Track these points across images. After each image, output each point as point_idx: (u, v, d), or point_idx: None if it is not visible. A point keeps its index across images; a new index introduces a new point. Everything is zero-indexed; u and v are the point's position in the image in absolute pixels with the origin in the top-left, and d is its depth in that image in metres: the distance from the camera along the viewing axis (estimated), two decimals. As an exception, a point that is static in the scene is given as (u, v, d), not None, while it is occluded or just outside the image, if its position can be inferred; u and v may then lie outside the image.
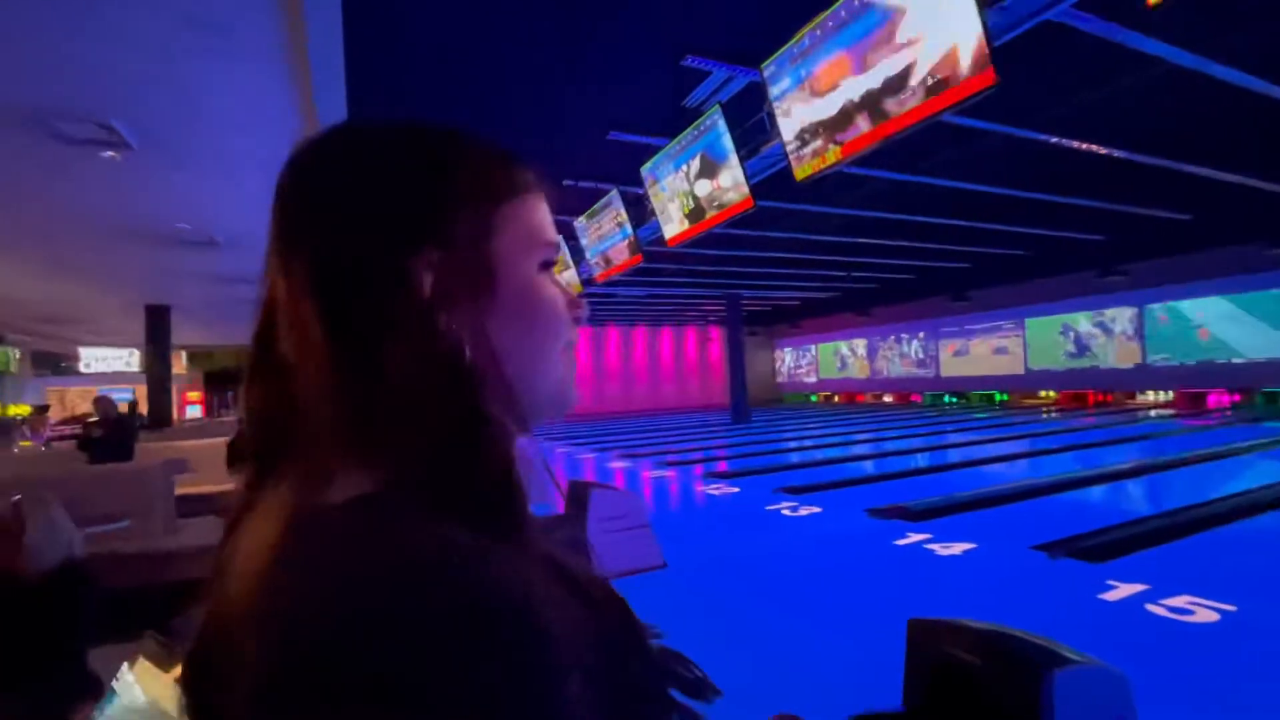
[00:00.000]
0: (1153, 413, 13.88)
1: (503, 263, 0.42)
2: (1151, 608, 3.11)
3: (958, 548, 4.28)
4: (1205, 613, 3.02)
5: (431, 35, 4.43)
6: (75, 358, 17.22)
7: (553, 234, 0.48)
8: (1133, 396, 15.56)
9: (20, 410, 16.12)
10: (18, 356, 14.76)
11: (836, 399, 23.78)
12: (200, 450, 6.20)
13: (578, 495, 3.97)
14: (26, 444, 10.26)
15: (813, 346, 24.79)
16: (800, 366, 25.60)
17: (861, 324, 21.70)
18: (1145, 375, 15.10)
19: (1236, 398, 13.70)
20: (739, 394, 16.34)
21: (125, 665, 0.73)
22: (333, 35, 3.08)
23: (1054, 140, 6.42)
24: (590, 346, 23.38)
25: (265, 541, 0.34)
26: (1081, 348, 16.32)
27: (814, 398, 24.85)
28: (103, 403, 5.09)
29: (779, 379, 26.73)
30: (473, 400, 0.38)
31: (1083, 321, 16.24)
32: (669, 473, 8.33)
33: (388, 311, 0.37)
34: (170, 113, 3.76)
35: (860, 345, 22.70)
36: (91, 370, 17.35)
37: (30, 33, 2.93)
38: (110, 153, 4.22)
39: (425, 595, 0.30)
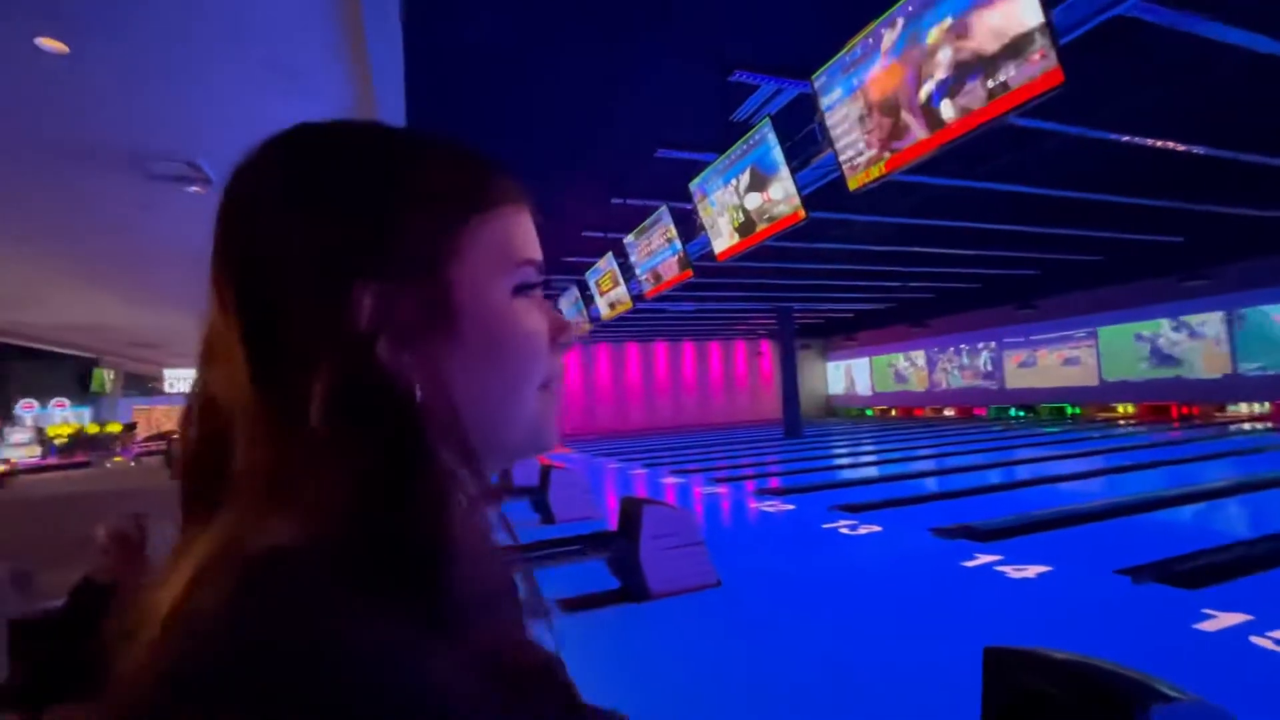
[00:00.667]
0: (1246, 425, 12.82)
1: (465, 289, 0.36)
2: (1257, 640, 2.84)
3: (1031, 570, 4.04)
4: (1322, 648, 2.74)
5: (484, 66, 4.59)
6: (160, 379, 18.46)
7: (533, 251, 0.42)
8: (1222, 409, 14.43)
9: (113, 428, 17.40)
10: (113, 378, 15.94)
11: (893, 413, 23.01)
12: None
13: (629, 512, 3.96)
14: (119, 460, 11.05)
15: (867, 359, 24.12)
16: (855, 379, 24.94)
17: (919, 335, 21.00)
18: (1237, 385, 13.98)
19: (1345, 409, 12.52)
20: (791, 408, 16.03)
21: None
22: (394, 70, 3.24)
23: (1125, 139, 6.09)
24: (639, 362, 23.47)
25: (175, 589, 0.30)
26: (1163, 357, 15.27)
27: (869, 412, 24.12)
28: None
29: (832, 392, 26.10)
30: (410, 448, 0.33)
31: (1164, 329, 15.22)
32: (720, 489, 8.22)
33: (313, 346, 0.33)
34: (246, 147, 4.02)
35: (918, 357, 21.94)
36: (175, 390, 18.55)
37: (132, 84, 3.20)
38: (195, 188, 4.55)
39: (279, 695, 0.25)
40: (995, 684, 1.49)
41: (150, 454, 9.53)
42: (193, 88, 3.30)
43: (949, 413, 20.90)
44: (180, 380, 18.51)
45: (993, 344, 19.30)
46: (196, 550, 0.32)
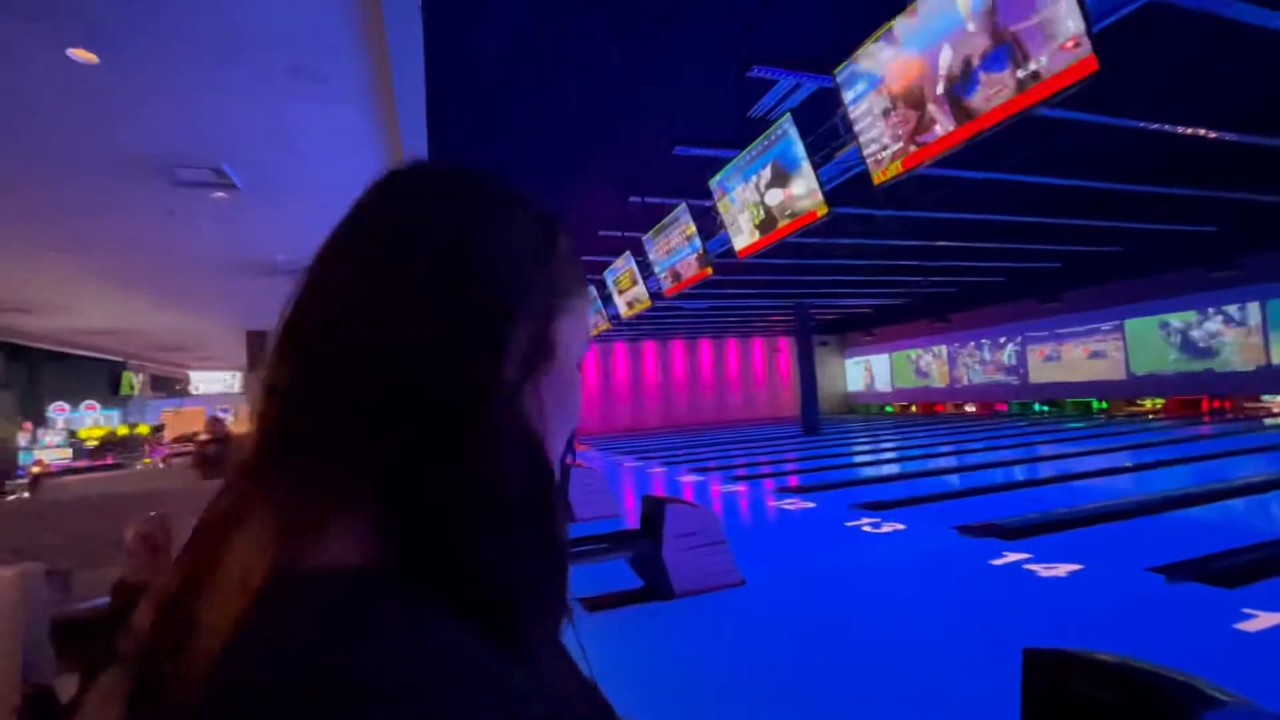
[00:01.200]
0: (1282, 420, 12.48)
1: (563, 345, 0.40)
2: (1301, 640, 2.76)
3: (1062, 569, 3.96)
4: (1370, 649, 2.65)
5: (503, 65, 4.60)
6: (186, 381, 18.83)
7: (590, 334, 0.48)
8: (1257, 400, 14.04)
9: (142, 430, 17.78)
10: (140, 381, 16.29)
11: (914, 409, 22.74)
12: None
13: (652, 511, 3.96)
14: (147, 461, 11.30)
15: (887, 355, 23.86)
16: (874, 375, 24.69)
17: (940, 330, 20.73)
18: (1272, 377, 13.61)
19: (1386, 402, 12.12)
20: (810, 405, 15.91)
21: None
22: (414, 71, 3.26)
23: (1154, 127, 5.94)
24: (655, 360, 23.44)
25: (234, 601, 0.30)
26: (1194, 349, 14.90)
27: (889, 408, 23.87)
28: (215, 422, 5.53)
29: (851, 389, 25.86)
30: (537, 467, 0.37)
31: (1194, 320, 14.86)
32: (739, 487, 8.18)
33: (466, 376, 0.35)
34: (272, 155, 4.08)
35: (939, 352, 21.65)
36: (200, 392, 18.91)
37: (159, 92, 3.26)
38: (220, 194, 4.62)
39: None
40: (1035, 686, 1.46)
41: (179, 455, 9.73)
42: (217, 95, 3.35)
43: (970, 409, 20.61)
44: (205, 383, 18.86)
45: (1016, 338, 18.98)
46: (244, 559, 0.31)
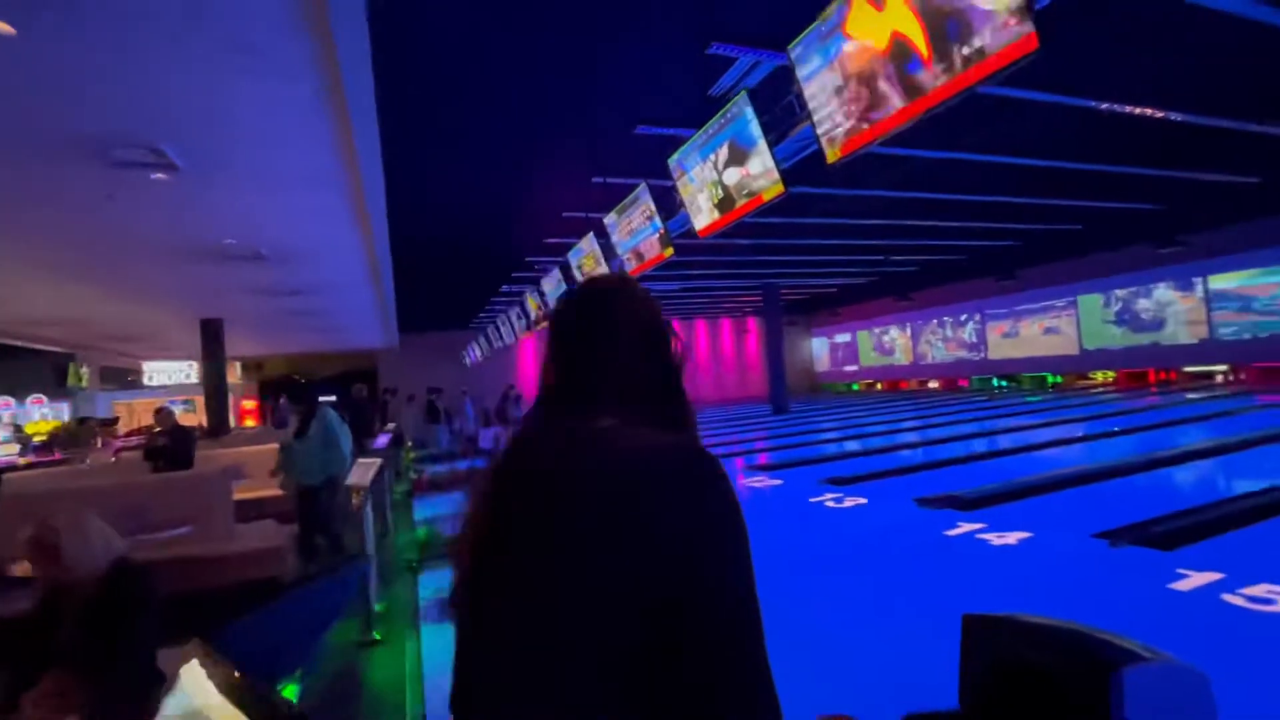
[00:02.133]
0: (1221, 389, 13.10)
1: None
2: (1229, 598, 2.93)
3: (1012, 537, 4.12)
4: (1289, 602, 2.82)
5: (460, 45, 4.47)
6: (140, 372, 18.15)
7: None
8: (1203, 373, 14.72)
9: (93, 424, 17.06)
10: (87, 373, 15.64)
11: (879, 387, 23.23)
12: (254, 457, 6.46)
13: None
14: (99, 456, 10.88)
15: (852, 334, 24.27)
16: (840, 354, 25.11)
17: (903, 309, 21.14)
18: (1213, 350, 14.26)
19: (1316, 371, 12.82)
20: (778, 385, 16.12)
21: (182, 668, 0.75)
22: (359, 45, 3.14)
23: (1104, 107, 6.09)
24: (626, 342, 23.38)
25: (659, 441, 0.72)
26: (1139, 324, 15.52)
27: (855, 386, 24.34)
28: (164, 414, 5.35)
29: (818, 368, 26.27)
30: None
31: (1140, 296, 15.44)
32: (709, 466, 8.26)
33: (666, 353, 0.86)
34: (213, 133, 3.90)
35: (903, 330, 22.12)
36: (155, 383, 18.25)
37: (86, 66, 3.07)
38: (160, 174, 4.41)
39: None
40: (973, 651, 1.51)
41: (132, 449, 9.40)
42: (151, 69, 3.17)
43: (934, 385, 21.14)
44: (160, 374, 18.20)
45: (976, 315, 19.48)
46: (646, 435, 0.74)
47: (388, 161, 5.90)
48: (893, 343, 22.63)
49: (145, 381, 18.43)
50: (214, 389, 9.90)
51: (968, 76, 2.20)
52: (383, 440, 6.14)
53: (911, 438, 10.13)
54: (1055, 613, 1.94)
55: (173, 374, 18.30)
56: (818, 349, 26.21)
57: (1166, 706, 1.38)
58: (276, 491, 5.39)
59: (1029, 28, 1.96)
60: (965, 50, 2.16)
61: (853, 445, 9.52)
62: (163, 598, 1.68)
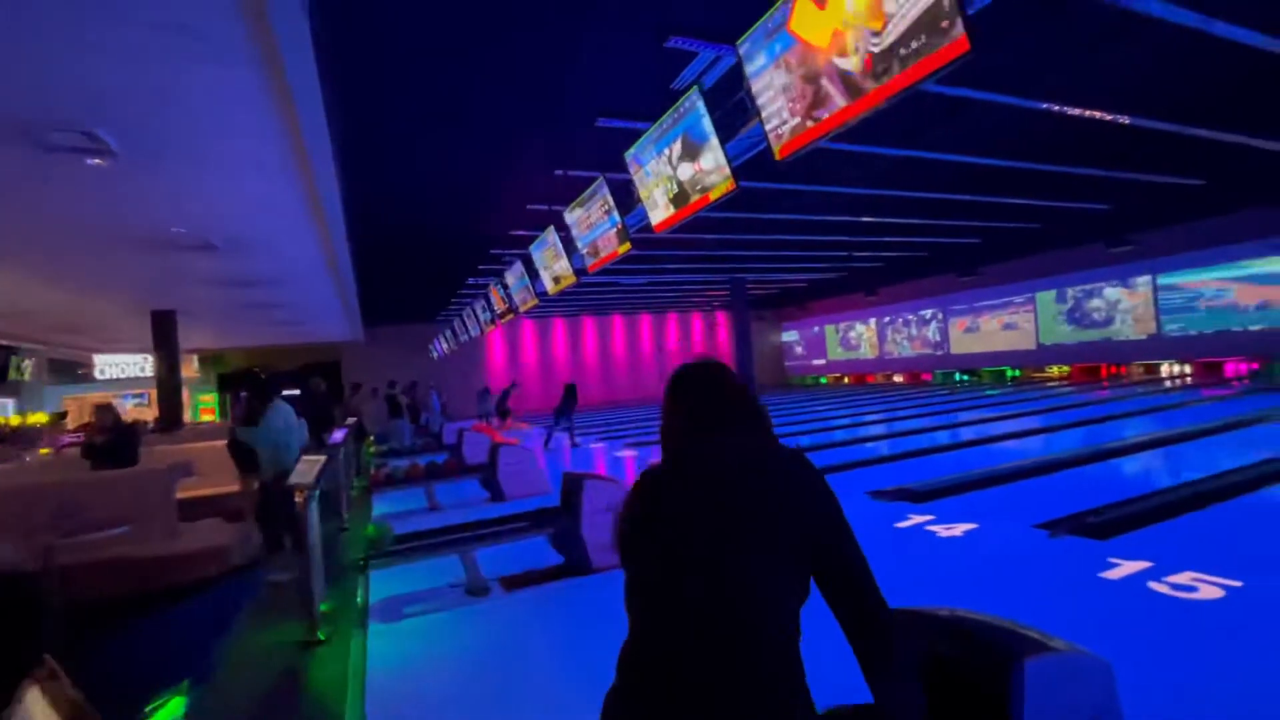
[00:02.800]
0: (1168, 383, 13.64)
1: None
2: (1154, 585, 3.05)
3: (959, 528, 4.23)
4: (1210, 589, 2.96)
5: (418, 32, 4.36)
6: (91, 365, 17.46)
7: None
8: (1150, 368, 15.30)
9: (38, 419, 16.42)
10: (29, 365, 14.98)
11: (846, 380, 23.61)
12: (205, 453, 6.28)
13: (570, 488, 3.96)
14: (45, 451, 10.46)
15: (820, 328, 24.59)
16: (808, 348, 25.43)
17: (870, 304, 21.49)
18: (1160, 346, 14.83)
19: (1255, 365, 13.43)
20: (746, 378, 16.25)
21: (27, 691, 0.72)
22: (299, 31, 3.04)
23: (1055, 109, 6.25)
24: (595, 335, 23.36)
25: (765, 447, 1.16)
26: (1092, 320, 16.05)
27: (823, 379, 24.69)
28: (105, 410, 5.15)
29: (786, 361, 26.58)
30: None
31: (1093, 294, 15.96)
32: (674, 460, 8.29)
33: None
34: (151, 118, 3.75)
35: (869, 325, 22.49)
36: (106, 377, 17.59)
37: (12, 47, 2.92)
38: (96, 160, 4.23)
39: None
40: (891, 643, 1.55)
41: (77, 445, 9.05)
42: (83, 51, 3.03)
43: (898, 378, 21.57)
44: (112, 366, 17.55)
45: (939, 311, 19.91)
46: (741, 438, 1.19)
47: (345, 151, 5.76)
48: (859, 337, 23.01)
49: (96, 375, 17.75)
50: (167, 383, 9.59)
51: (906, 77, 2.22)
52: (339, 435, 6.02)
53: (871, 431, 10.32)
54: (996, 601, 2.04)
55: (126, 367, 17.66)
56: (786, 342, 26.50)
57: (1067, 695, 1.43)
58: (231, 488, 5.24)
59: (960, 30, 1.99)
60: (903, 51, 2.18)
61: (814, 439, 9.66)
62: (82, 603, 1.62)
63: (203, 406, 19.62)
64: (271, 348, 18.27)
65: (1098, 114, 6.70)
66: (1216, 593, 2.91)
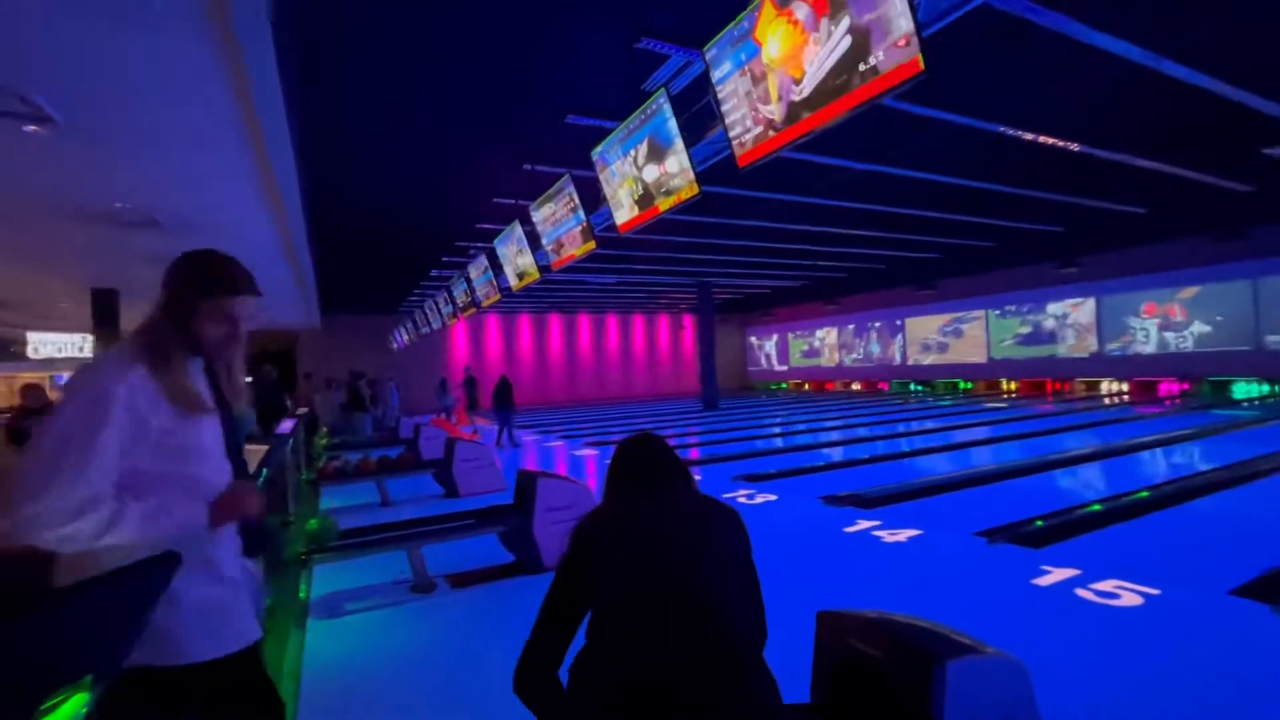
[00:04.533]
0: (1107, 400, 14.30)
1: None
2: (1081, 592, 3.19)
3: (904, 534, 4.35)
4: (1130, 596, 3.11)
5: (386, 17, 4.27)
6: (23, 343, 16.54)
7: None
8: (1091, 385, 16.01)
9: (-38, 397, 15.47)
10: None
11: (806, 387, 24.03)
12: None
13: (524, 486, 3.93)
14: (-33, 432, 9.84)
15: (783, 334, 24.98)
16: (771, 354, 25.81)
17: (831, 313, 21.93)
18: (1101, 364, 15.54)
19: (1185, 385, 14.19)
20: (709, 381, 16.40)
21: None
22: (254, 10, 2.94)
23: (1010, 132, 6.49)
24: (562, 334, 23.23)
25: (702, 495, 1.46)
26: (1039, 338, 16.72)
27: (784, 385, 25.08)
28: (34, 391, 4.88)
29: (749, 367, 26.91)
30: None
31: (1041, 312, 16.63)
32: (633, 460, 8.30)
33: None
34: (94, 86, 3.57)
35: (830, 333, 22.95)
36: (41, 356, 16.70)
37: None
38: (33, 127, 4.01)
39: None
40: (823, 645, 1.59)
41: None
42: (19, 11, 2.87)
43: (856, 387, 22.06)
44: (47, 345, 16.66)
45: (897, 322, 20.45)
46: (678, 486, 1.51)
47: (303, 132, 5.59)
48: (820, 345, 23.45)
49: (30, 354, 16.83)
50: (104, 364, 9.13)
51: (865, 91, 2.28)
52: (288, 425, 5.83)
53: (827, 437, 10.53)
54: (934, 605, 2.10)
55: (63, 346, 16.78)
56: (750, 347, 26.83)
57: (986, 695, 1.48)
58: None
59: (915, 51, 2.05)
60: (862, 67, 2.23)
61: (772, 444, 9.80)
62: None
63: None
64: (223, 332, 17.58)
65: (1051, 140, 6.99)
66: (1136, 600, 3.07)
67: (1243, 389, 13.47)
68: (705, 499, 1.44)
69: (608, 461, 1.53)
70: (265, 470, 3.10)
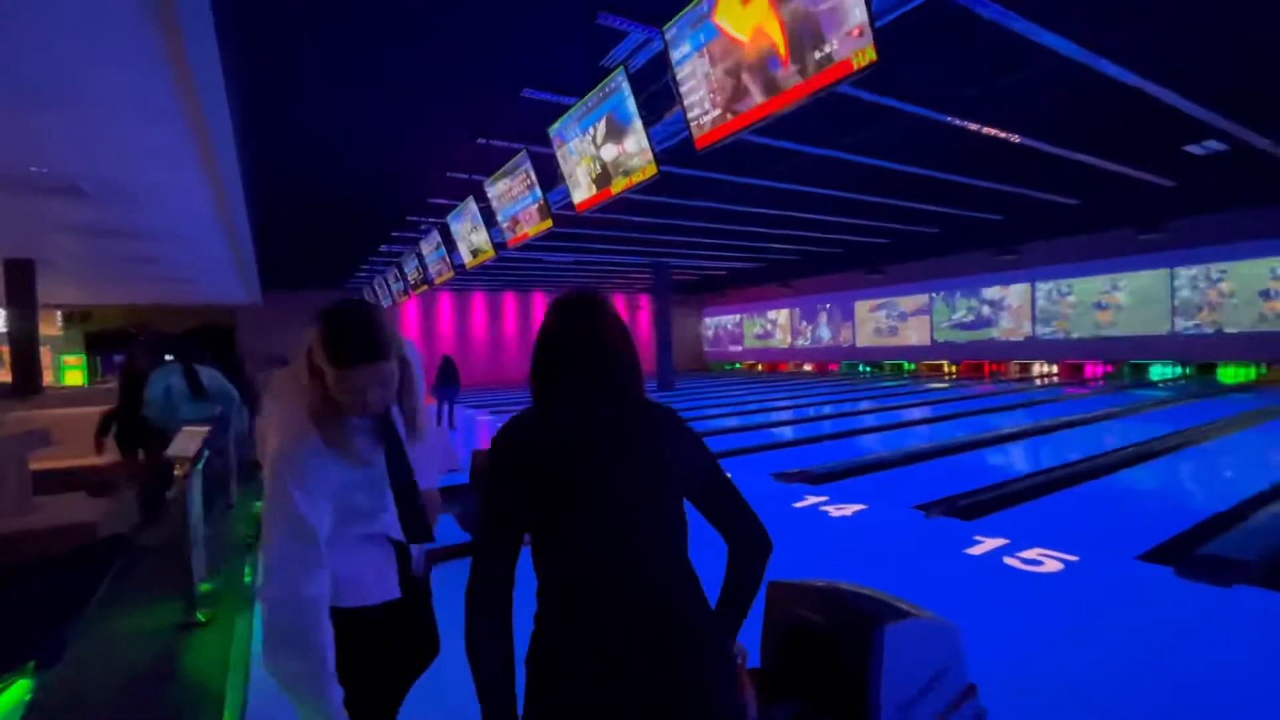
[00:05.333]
0: (1038, 382, 15.13)
1: None
2: (1008, 560, 3.42)
3: (849, 509, 4.54)
4: (1052, 563, 3.35)
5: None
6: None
7: None
8: (1024, 367, 16.89)
9: None
10: None
11: (760, 368, 24.51)
12: (68, 421, 5.68)
13: (478, 465, 3.90)
14: None
15: (738, 315, 25.33)
16: (726, 335, 26.16)
17: (785, 295, 22.34)
18: (1033, 347, 16.40)
19: (1109, 368, 15.15)
20: (665, 362, 16.52)
21: None
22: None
23: (957, 122, 6.70)
24: (516, 313, 22.93)
25: (654, 404, 1.18)
26: (979, 321, 17.50)
27: (739, 366, 25.51)
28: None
29: (705, 347, 27.22)
30: None
31: (980, 297, 17.38)
32: (588, 440, 8.33)
33: None
34: (9, 41, 3.29)
35: (784, 315, 23.41)
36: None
37: None
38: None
39: None
40: (773, 612, 1.67)
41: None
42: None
43: (808, 368, 22.63)
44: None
45: (844, 305, 21.03)
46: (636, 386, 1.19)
47: (244, 100, 5.29)
48: (773, 327, 23.91)
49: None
50: (22, 341, 8.54)
51: (820, 79, 2.32)
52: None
53: (778, 417, 10.81)
54: (877, 575, 2.22)
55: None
56: (706, 328, 27.13)
57: (919, 654, 1.60)
58: (98, 460, 4.77)
59: (869, 41, 2.10)
60: (817, 54, 2.28)
61: (725, 423, 10.00)
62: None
63: (69, 370, 17.62)
64: (153, 307, 16.62)
65: (995, 131, 7.26)
66: (1057, 566, 3.31)
67: (1159, 371, 14.49)
68: (658, 409, 1.19)
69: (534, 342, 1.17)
70: (205, 452, 2.99)
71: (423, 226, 10.23)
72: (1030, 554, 3.49)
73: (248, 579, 3.55)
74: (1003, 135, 7.37)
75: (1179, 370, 14.19)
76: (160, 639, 2.78)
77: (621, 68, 3.62)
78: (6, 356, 12.33)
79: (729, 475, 1.25)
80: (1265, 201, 11.38)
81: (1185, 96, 6.27)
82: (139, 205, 6.40)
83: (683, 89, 2.92)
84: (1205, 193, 10.58)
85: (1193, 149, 8.45)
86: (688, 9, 2.76)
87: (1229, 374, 13.49)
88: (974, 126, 6.95)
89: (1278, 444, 6.78)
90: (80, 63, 3.55)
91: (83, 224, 6.94)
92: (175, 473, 2.82)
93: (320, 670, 1.19)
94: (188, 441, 2.91)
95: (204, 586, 3.11)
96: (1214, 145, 8.25)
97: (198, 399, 4.32)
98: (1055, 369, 16.17)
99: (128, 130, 4.49)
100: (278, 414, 1.34)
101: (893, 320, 19.70)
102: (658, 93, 3.61)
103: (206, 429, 2.98)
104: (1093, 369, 15.47)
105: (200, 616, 2.94)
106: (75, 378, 17.43)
